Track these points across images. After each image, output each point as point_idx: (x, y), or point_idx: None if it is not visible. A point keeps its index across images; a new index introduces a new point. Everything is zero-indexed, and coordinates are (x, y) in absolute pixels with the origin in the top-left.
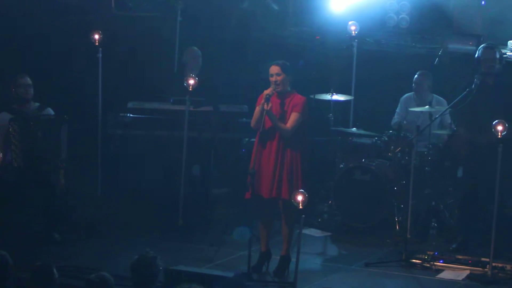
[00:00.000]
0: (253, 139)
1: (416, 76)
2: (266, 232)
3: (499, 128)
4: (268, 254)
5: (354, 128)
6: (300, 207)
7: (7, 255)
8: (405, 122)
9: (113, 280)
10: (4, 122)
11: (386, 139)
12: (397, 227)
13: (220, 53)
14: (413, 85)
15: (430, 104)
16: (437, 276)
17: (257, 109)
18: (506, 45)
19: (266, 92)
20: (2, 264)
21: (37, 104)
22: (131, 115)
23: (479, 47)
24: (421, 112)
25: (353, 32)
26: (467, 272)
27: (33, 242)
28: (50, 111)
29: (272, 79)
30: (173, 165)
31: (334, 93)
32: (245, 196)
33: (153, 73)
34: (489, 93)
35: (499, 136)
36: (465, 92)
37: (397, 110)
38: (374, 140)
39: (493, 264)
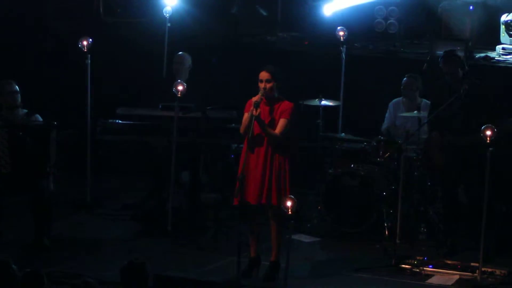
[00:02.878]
0: (241, 145)
1: (404, 79)
2: (255, 237)
3: (488, 133)
4: (257, 260)
5: (343, 134)
6: (289, 212)
7: (10, 261)
8: (395, 125)
9: (98, 286)
10: None
11: (374, 144)
12: (386, 232)
13: (209, 59)
14: (401, 88)
15: (419, 109)
16: (426, 281)
17: (246, 115)
18: (495, 50)
19: (255, 99)
20: (6, 271)
21: (24, 110)
22: (120, 121)
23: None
24: (410, 116)
25: (341, 38)
26: (457, 277)
27: (22, 248)
28: (38, 117)
29: (261, 85)
30: (162, 171)
31: (322, 99)
32: (233, 202)
33: (142, 79)
34: (460, 97)
35: (488, 141)
36: (452, 98)
37: (386, 115)
38: (363, 146)
39: (483, 269)
